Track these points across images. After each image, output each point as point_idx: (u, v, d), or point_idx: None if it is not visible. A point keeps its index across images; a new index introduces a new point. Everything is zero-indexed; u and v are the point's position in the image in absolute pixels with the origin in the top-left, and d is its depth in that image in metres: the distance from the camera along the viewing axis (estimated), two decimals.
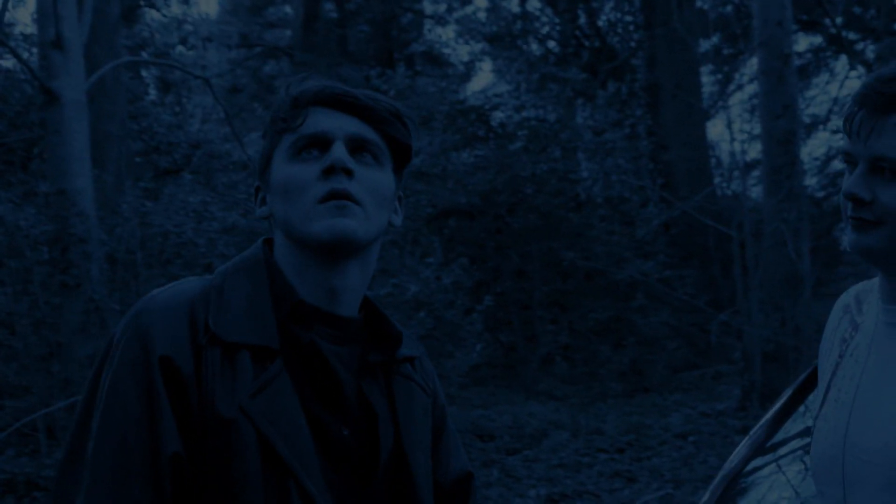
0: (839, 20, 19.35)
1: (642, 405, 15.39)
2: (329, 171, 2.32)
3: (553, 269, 17.97)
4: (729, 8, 21.74)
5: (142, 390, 2.16)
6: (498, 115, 19.65)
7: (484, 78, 30.91)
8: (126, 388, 2.17)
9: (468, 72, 28.92)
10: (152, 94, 23.32)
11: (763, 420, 4.38)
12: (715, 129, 36.40)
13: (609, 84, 21.73)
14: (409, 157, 2.53)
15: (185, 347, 2.19)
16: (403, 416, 2.43)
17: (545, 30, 27.93)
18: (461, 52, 28.94)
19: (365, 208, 2.34)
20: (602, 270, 17.69)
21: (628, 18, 25.98)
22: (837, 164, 23.65)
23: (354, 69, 20.02)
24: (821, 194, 22.73)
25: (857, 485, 2.48)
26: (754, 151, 19.34)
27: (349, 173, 2.33)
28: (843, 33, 20.39)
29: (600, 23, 26.70)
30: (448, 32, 29.66)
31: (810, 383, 4.26)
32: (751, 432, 4.38)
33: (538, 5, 27.79)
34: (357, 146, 2.39)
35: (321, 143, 2.36)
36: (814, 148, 23.67)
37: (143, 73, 23.10)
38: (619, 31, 26.54)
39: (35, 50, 16.84)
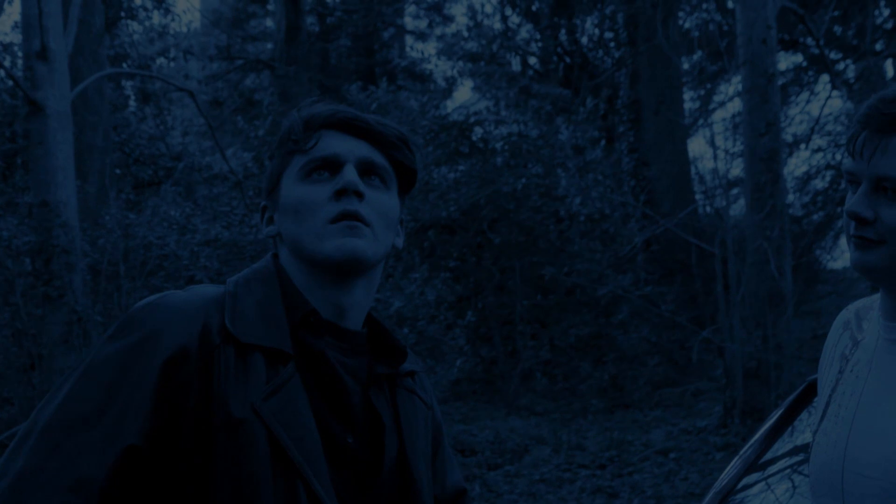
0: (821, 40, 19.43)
1: (623, 421, 15.41)
2: (341, 193, 2.38)
3: (534, 285, 17.99)
4: (712, 26, 21.79)
5: (128, 376, 2.19)
6: (479, 131, 19.67)
7: (465, 93, 30.95)
8: (110, 369, 2.20)
9: (449, 87, 28.95)
10: (132, 105, 23.28)
11: (753, 438, 4.41)
12: (695, 146, 36.46)
13: (588, 100, 21.79)
14: (413, 182, 2.60)
15: (194, 348, 2.22)
16: (407, 427, 2.48)
17: (526, 46, 27.98)
18: (442, 68, 28.99)
19: (374, 229, 2.41)
20: (583, 286, 17.71)
21: (609, 35, 26.04)
22: (818, 183, 23.74)
23: (358, 89, 19.94)
24: (801, 213, 22.77)
25: (857, 498, 2.51)
26: (736, 169, 19.41)
27: (360, 195, 2.39)
28: (824, 51, 20.47)
29: (582, 40, 26.74)
30: (429, 48, 29.72)
31: (800, 402, 4.29)
32: (741, 451, 4.40)
33: (518, 20, 27.85)
34: (366, 169, 2.45)
35: (332, 165, 2.42)
36: (794, 166, 23.72)
37: (124, 84, 23.06)
38: (601, 47, 26.59)
39: (12, 59, 16.82)
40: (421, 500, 2.44)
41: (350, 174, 2.38)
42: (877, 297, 2.65)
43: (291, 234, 2.41)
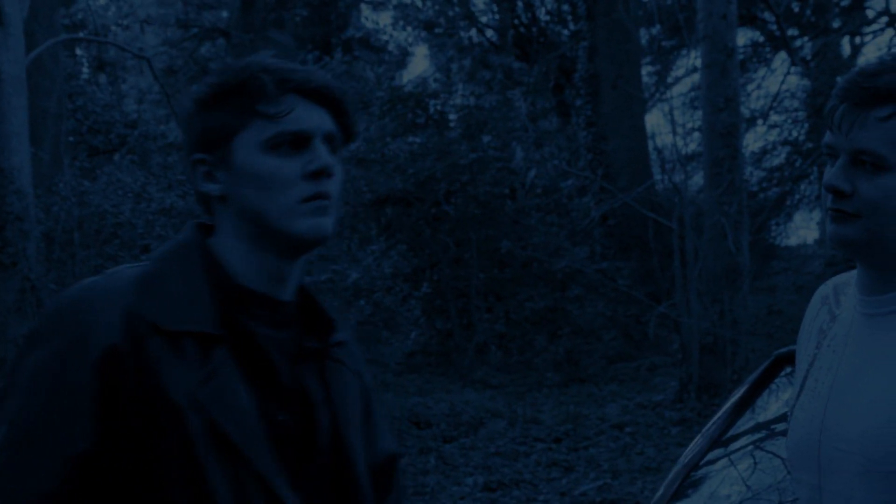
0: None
1: (578, 395, 15.44)
2: (317, 175, 2.33)
3: (490, 258, 18.00)
4: (670, 0, 21.82)
5: (65, 383, 2.16)
6: (435, 102, 19.63)
7: (420, 64, 30.95)
8: (43, 379, 2.18)
9: (403, 57, 28.97)
10: (85, 73, 23.16)
11: (717, 414, 4.42)
12: (652, 121, 36.56)
13: (541, 71, 21.83)
14: (347, 144, 2.56)
15: (122, 343, 2.17)
16: (339, 401, 2.46)
17: (484, 18, 27.98)
18: (398, 38, 28.97)
19: (335, 203, 2.39)
20: (539, 259, 17.73)
21: (566, 8, 26.03)
22: (774, 159, 23.88)
23: (314, 59, 19.86)
24: (756, 188, 22.90)
25: (833, 472, 2.53)
26: (693, 143, 19.47)
27: (331, 175, 2.36)
28: (783, 29, 20.55)
29: (540, 12, 26.74)
30: (385, 18, 29.70)
31: (765, 379, 4.31)
32: (705, 426, 4.42)
33: None
34: (327, 141, 2.39)
35: (301, 139, 2.34)
36: (751, 142, 23.84)
37: (78, 51, 22.93)
38: (559, 21, 26.60)
39: None
40: (357, 473, 2.44)
41: (325, 155, 2.34)
42: (855, 273, 2.65)
43: (253, 204, 2.33)
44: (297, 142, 2.33)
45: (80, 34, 21.21)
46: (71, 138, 17.97)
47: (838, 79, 2.53)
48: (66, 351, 2.17)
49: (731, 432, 4.33)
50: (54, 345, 2.18)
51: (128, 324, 2.18)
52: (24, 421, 2.15)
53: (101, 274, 2.36)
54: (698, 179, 18.75)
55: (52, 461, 2.11)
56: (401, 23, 28.74)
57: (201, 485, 2.14)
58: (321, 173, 2.32)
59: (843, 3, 24.07)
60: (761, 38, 25.67)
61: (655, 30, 25.15)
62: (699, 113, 16.68)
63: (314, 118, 2.35)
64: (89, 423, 2.13)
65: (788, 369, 4.14)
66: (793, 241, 24.99)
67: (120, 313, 2.19)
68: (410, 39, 28.76)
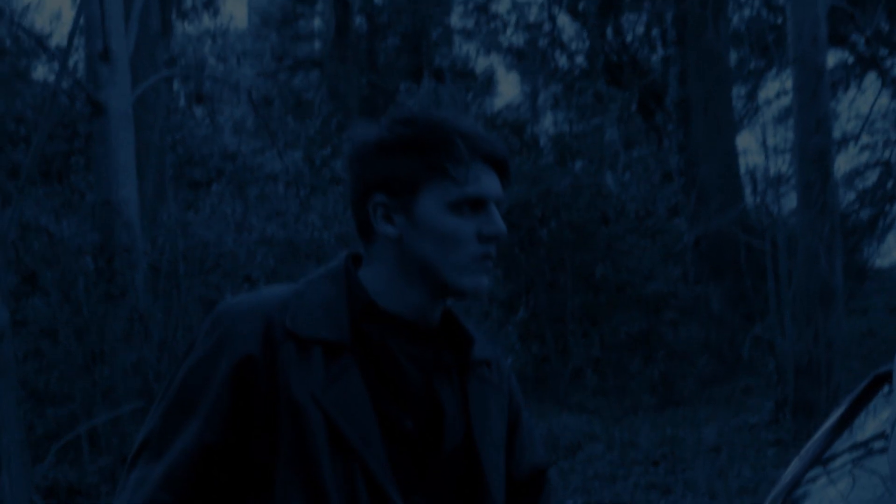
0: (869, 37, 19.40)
1: (674, 418, 15.42)
2: (490, 239, 2.48)
3: (585, 282, 18.05)
4: (760, 22, 21.79)
5: (206, 384, 2.41)
6: (529, 129, 19.74)
7: (512, 91, 30.94)
8: (194, 379, 2.44)
9: (491, 84, 28.99)
10: (182, 105, 23.44)
11: (816, 435, 4.47)
12: (742, 142, 36.23)
13: (634, 98, 21.84)
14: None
15: (258, 351, 2.39)
16: (476, 413, 2.56)
17: (574, 45, 28.02)
18: (485, 64, 29.06)
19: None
20: (633, 283, 17.75)
21: (655, 33, 26.03)
22: (866, 180, 23.65)
23: (406, 88, 20.01)
24: (848, 210, 22.71)
25: None
26: (783, 165, 19.39)
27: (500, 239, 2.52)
28: (874, 49, 20.42)
29: (629, 38, 26.75)
30: (475, 46, 29.77)
31: (862, 400, 4.36)
32: (804, 448, 4.47)
33: (567, 19, 27.91)
34: (497, 204, 2.53)
35: (479, 203, 2.48)
36: (843, 163, 23.64)
37: (175, 85, 23.25)
38: (648, 45, 26.59)
39: (64, 59, 17.06)
40: (487, 482, 2.53)
41: (499, 220, 2.48)
42: None
43: (426, 255, 2.48)
44: (476, 204, 2.46)
45: (177, 68, 21.53)
46: (171, 170, 18.27)
47: None
48: (211, 356, 2.41)
49: (831, 451, 4.38)
50: (203, 351, 2.43)
51: (266, 331, 2.40)
52: (170, 414, 2.43)
53: (257, 290, 2.60)
54: (790, 200, 18.68)
55: (186, 451, 2.38)
56: (487, 47, 28.81)
57: (315, 479, 2.33)
58: (495, 238, 2.47)
59: None
60: (851, 59, 25.52)
61: (744, 51, 25.07)
62: (790, 134, 16.63)
63: (493, 185, 2.50)
64: (221, 421, 2.38)
65: (886, 388, 4.20)
66: (886, 261, 24.70)
67: (261, 323, 2.41)
68: (499, 66, 28.82)
